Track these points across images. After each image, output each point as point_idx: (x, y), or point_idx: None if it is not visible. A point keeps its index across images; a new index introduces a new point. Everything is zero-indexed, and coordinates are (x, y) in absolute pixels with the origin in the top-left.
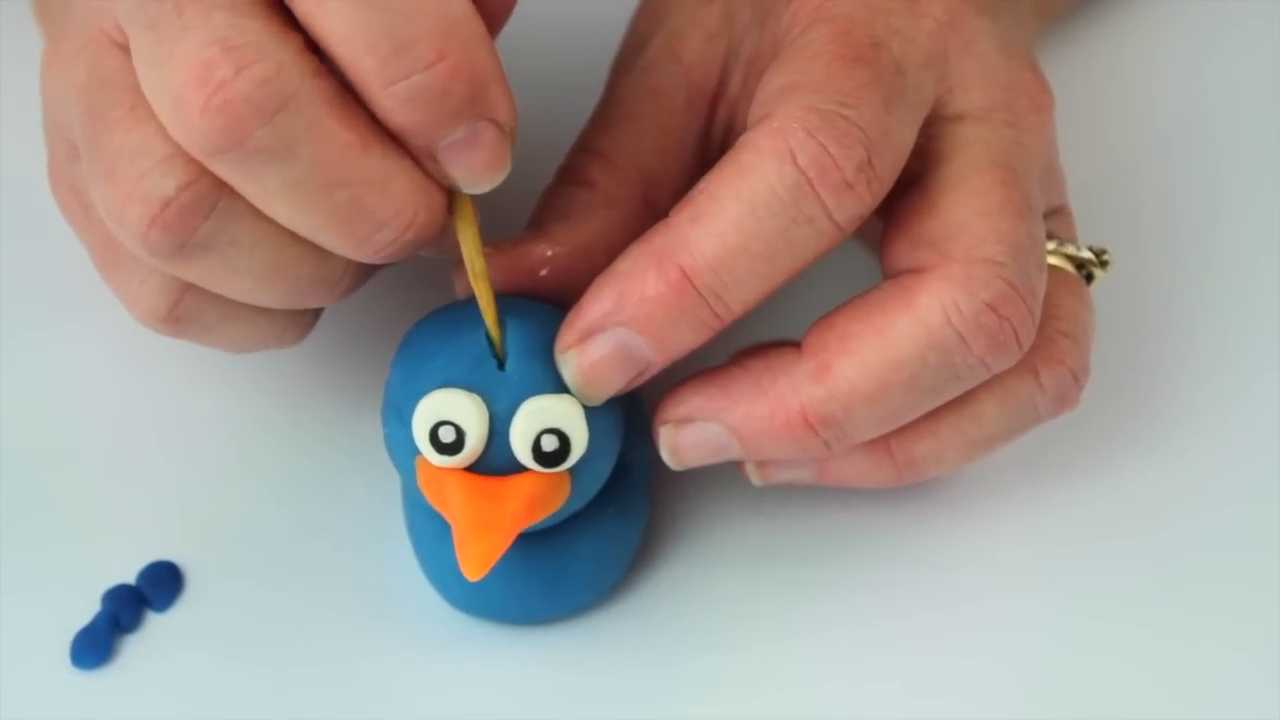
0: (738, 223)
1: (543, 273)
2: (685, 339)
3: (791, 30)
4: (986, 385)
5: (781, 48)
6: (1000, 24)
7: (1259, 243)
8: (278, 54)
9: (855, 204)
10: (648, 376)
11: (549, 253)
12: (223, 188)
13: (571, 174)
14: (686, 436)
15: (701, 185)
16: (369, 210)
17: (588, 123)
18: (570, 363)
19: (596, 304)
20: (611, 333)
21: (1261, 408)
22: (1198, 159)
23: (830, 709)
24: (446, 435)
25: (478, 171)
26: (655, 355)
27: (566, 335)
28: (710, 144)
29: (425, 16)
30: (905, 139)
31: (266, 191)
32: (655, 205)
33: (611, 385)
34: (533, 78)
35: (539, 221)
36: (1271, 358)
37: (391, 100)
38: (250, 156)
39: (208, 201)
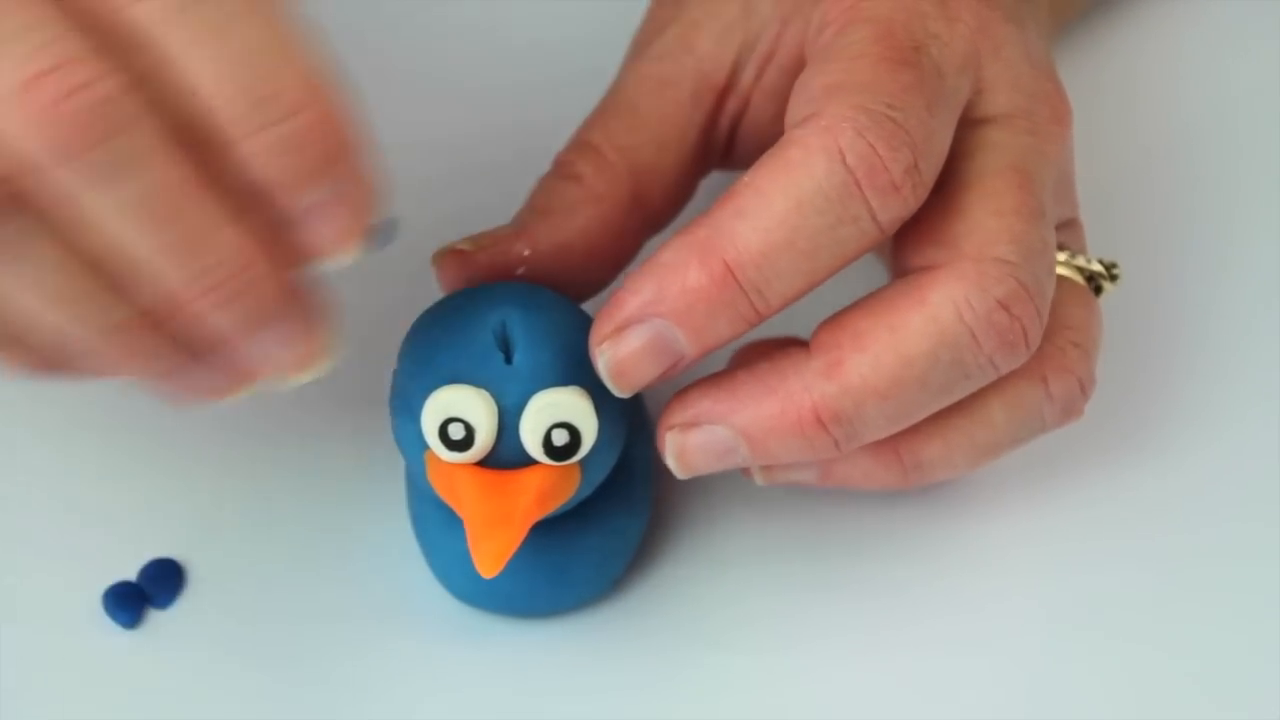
0: (783, 218)
1: (519, 272)
2: (723, 332)
3: (825, 30)
4: (996, 391)
5: (814, 47)
6: (1025, 32)
7: (1271, 251)
8: (123, 72)
9: (900, 206)
10: (680, 370)
11: (525, 252)
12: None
13: (562, 167)
14: (693, 440)
15: (747, 179)
16: (200, 247)
17: (592, 110)
18: (605, 354)
19: (636, 295)
20: (649, 324)
21: (1266, 417)
22: (1210, 166)
23: (832, 707)
24: (456, 432)
25: (337, 235)
26: (690, 348)
27: (603, 326)
28: (714, 137)
29: (288, 69)
30: (944, 142)
31: (94, 209)
32: (644, 200)
33: (645, 377)
34: (537, 73)
35: (522, 216)
36: (1277, 367)
37: (252, 150)
38: (92, 167)
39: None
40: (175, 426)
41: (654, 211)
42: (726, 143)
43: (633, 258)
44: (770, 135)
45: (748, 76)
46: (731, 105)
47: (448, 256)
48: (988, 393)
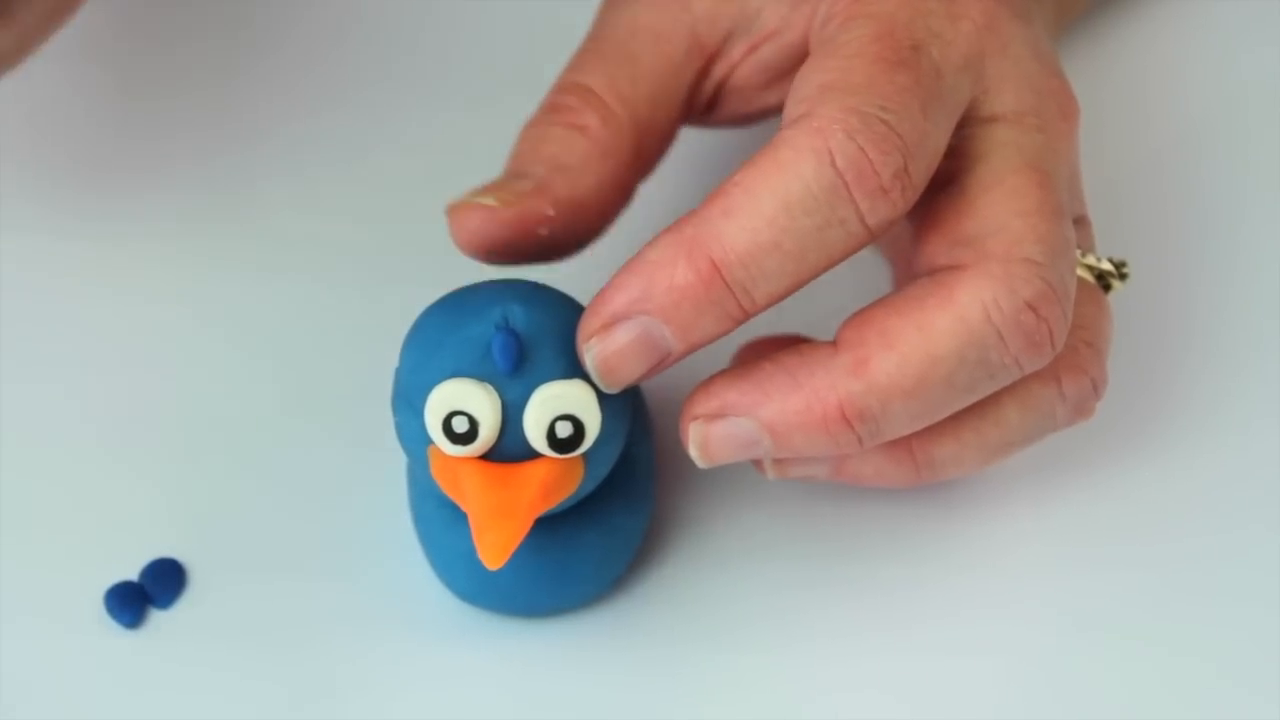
0: (771, 219)
1: (543, 232)
2: (709, 329)
3: (829, 23)
4: (1010, 390)
5: (818, 39)
6: (1033, 29)
7: (1276, 251)
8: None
9: (888, 209)
10: (666, 366)
11: (550, 212)
12: None
13: (565, 112)
14: (717, 431)
15: (736, 178)
16: None
17: (580, 49)
18: (593, 350)
19: (623, 292)
20: (636, 321)
21: (1275, 416)
22: (1218, 164)
23: (832, 707)
24: (460, 425)
25: None
26: (677, 344)
27: (591, 322)
28: (698, 97)
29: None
30: (939, 144)
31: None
32: (643, 155)
33: (632, 373)
34: (536, 75)
35: (530, 165)
36: None
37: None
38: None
39: None
40: (176, 425)
41: (648, 165)
42: (706, 104)
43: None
44: (755, 104)
45: (739, 47)
46: (718, 71)
47: (471, 210)
48: (1002, 392)
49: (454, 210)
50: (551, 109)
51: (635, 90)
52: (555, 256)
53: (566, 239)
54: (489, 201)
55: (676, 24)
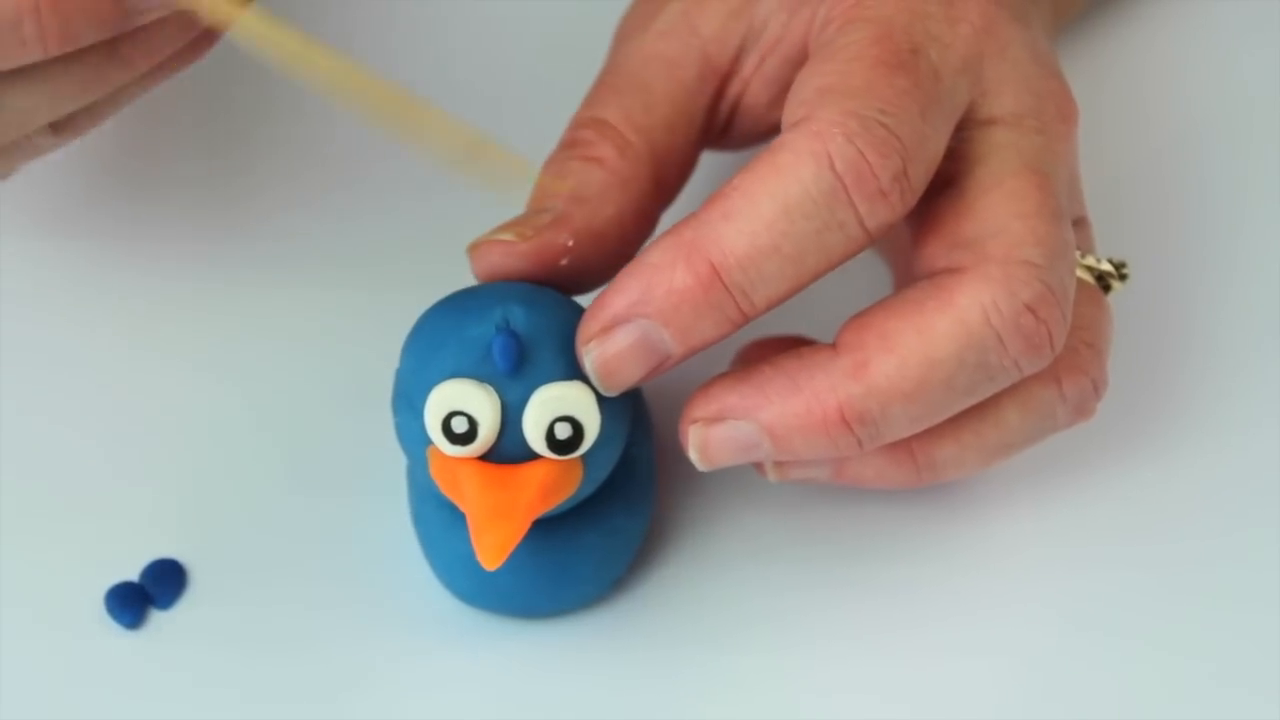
0: (770, 223)
1: (563, 263)
2: (708, 333)
3: (828, 27)
4: (1010, 391)
5: (817, 43)
6: (1031, 32)
7: (1278, 251)
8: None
9: (887, 212)
10: (666, 369)
11: (570, 243)
12: None
13: (582, 146)
14: (717, 434)
15: (736, 182)
16: None
17: (594, 85)
18: (592, 352)
19: (622, 295)
20: (635, 324)
21: (1275, 417)
22: (1217, 165)
23: (833, 708)
24: (459, 425)
25: None
26: (676, 348)
27: (590, 325)
28: (715, 119)
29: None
30: (938, 147)
31: None
32: (663, 183)
33: (632, 376)
34: (532, 73)
35: (549, 199)
36: None
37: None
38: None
39: None
40: (177, 426)
41: (670, 191)
42: (724, 125)
43: (649, 238)
44: (765, 121)
45: (750, 63)
46: (732, 90)
47: (491, 246)
48: (1002, 394)
49: (474, 248)
50: (568, 144)
51: (650, 118)
52: (582, 288)
53: (589, 270)
54: (508, 237)
55: (687, 49)
